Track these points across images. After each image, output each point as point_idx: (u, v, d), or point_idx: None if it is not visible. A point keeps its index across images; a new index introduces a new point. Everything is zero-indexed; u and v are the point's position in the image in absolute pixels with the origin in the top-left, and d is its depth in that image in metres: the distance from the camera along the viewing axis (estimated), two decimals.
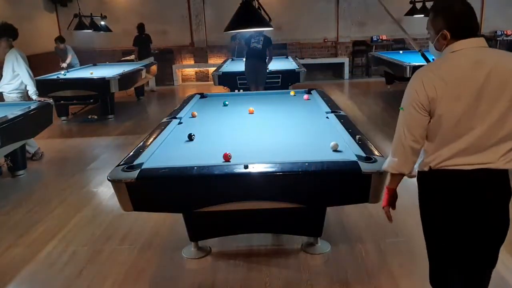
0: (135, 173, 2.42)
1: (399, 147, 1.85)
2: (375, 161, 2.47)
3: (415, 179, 1.94)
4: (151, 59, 9.84)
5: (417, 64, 7.02)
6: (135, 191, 2.42)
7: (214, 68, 7.97)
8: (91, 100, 7.40)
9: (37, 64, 9.46)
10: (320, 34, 11.31)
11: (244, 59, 6.96)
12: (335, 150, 2.75)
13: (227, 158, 2.62)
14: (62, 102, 7.21)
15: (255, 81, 6.66)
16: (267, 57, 6.74)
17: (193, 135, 3.19)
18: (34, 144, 5.28)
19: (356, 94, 9.23)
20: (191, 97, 4.87)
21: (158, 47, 11.24)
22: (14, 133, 4.31)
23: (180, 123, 3.74)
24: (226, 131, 3.47)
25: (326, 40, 11.36)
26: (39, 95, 5.15)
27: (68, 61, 8.72)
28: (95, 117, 7.48)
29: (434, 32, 1.78)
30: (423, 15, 8.67)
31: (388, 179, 2.06)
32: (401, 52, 9.42)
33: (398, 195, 2.02)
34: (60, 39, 8.98)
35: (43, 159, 5.36)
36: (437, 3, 1.83)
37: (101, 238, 3.35)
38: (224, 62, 8.72)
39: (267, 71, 6.77)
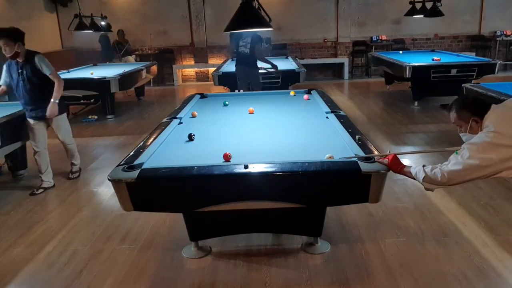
0: (135, 173, 2.42)
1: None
2: (375, 161, 2.48)
3: (416, 182, 2.01)
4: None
5: (417, 64, 7.04)
6: (135, 191, 2.42)
7: (214, 68, 7.97)
8: (92, 100, 7.40)
9: None
10: (320, 34, 11.32)
11: (234, 64, 6.54)
12: None
13: (227, 158, 2.62)
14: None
15: (248, 86, 6.27)
16: (263, 58, 6.22)
17: (193, 135, 3.20)
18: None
19: (356, 94, 9.23)
20: (191, 97, 4.88)
21: (158, 47, 11.27)
22: (14, 133, 4.31)
23: (180, 123, 3.74)
24: (226, 131, 3.48)
25: (326, 40, 11.37)
26: None
27: None
28: (95, 117, 7.48)
29: (465, 123, 2.22)
30: (422, 16, 8.68)
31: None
32: (400, 52, 9.42)
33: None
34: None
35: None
36: (454, 102, 2.30)
37: (101, 238, 3.35)
38: (224, 62, 8.72)
39: (264, 71, 6.30)
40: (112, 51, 10.32)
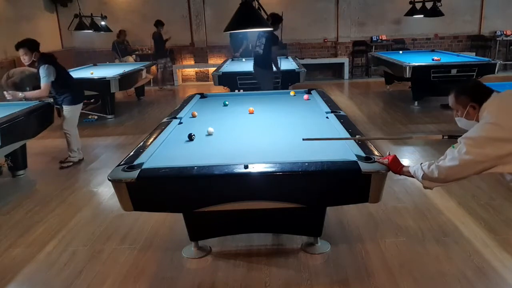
0: (135, 173, 2.42)
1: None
2: (375, 161, 2.48)
3: (415, 181, 2.08)
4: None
5: (417, 64, 7.03)
6: (135, 191, 2.42)
7: (214, 68, 7.97)
8: (92, 100, 7.40)
9: None
10: (320, 34, 11.32)
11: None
12: None
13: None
14: None
15: (260, 86, 6.16)
16: (273, 59, 6.04)
17: (193, 135, 3.20)
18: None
19: (356, 94, 9.23)
20: (191, 97, 4.88)
21: None
22: (14, 133, 4.30)
23: (180, 123, 3.74)
24: (226, 131, 3.48)
25: (326, 40, 11.37)
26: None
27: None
28: (95, 117, 7.49)
29: (463, 107, 2.20)
30: (422, 16, 8.68)
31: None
32: (400, 52, 9.42)
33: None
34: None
35: (43, 159, 5.37)
36: (455, 87, 2.28)
37: (101, 238, 3.35)
38: (224, 62, 8.72)
39: (279, 72, 6.18)
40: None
